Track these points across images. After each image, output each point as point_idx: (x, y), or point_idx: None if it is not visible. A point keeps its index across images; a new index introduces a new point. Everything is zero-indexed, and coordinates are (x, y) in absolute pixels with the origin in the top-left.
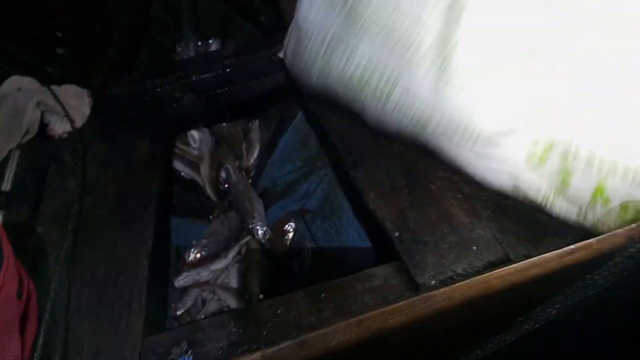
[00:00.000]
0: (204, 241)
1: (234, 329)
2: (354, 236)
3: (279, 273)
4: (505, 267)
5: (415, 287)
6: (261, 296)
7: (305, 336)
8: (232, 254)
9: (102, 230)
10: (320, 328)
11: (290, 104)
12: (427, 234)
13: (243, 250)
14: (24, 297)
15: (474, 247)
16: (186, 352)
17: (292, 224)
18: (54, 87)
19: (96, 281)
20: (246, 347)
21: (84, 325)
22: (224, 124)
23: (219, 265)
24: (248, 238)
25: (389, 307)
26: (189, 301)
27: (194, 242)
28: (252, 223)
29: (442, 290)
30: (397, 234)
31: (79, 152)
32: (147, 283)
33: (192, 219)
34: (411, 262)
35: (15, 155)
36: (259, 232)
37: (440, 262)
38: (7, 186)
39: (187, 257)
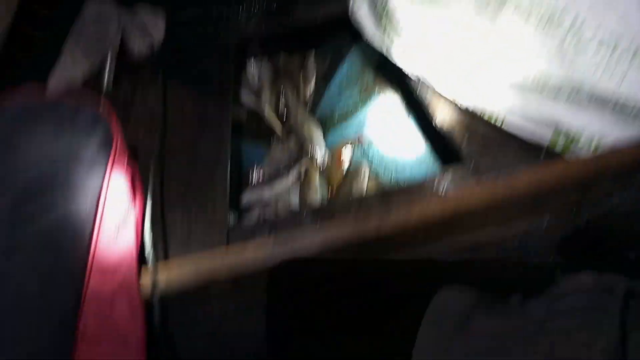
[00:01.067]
0: (267, 163)
1: (310, 223)
2: (411, 159)
3: (336, 195)
4: None
5: None
6: None
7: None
8: (291, 176)
9: (184, 134)
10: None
11: (348, 33)
12: (494, 142)
13: (302, 174)
14: (130, 176)
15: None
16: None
17: (349, 150)
18: (130, 9)
19: (183, 176)
20: None
21: (175, 214)
22: (282, 56)
23: (280, 185)
24: (307, 162)
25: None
26: (252, 219)
27: (255, 164)
28: (311, 149)
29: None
30: (464, 142)
31: (158, 66)
32: (228, 181)
33: (254, 143)
34: (480, 166)
35: (112, 55)
36: (318, 157)
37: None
38: (109, 83)
39: (250, 178)
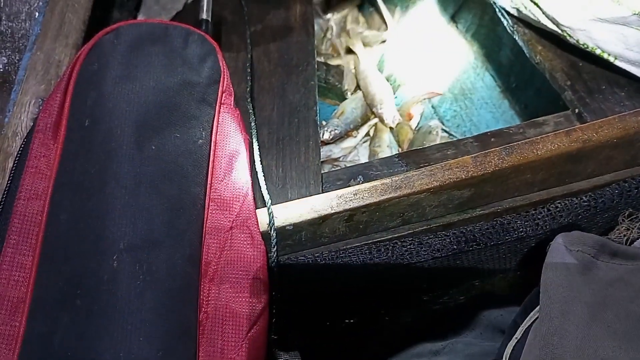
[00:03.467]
0: (336, 120)
1: (405, 167)
2: (488, 116)
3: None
4: None
5: None
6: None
7: (513, 144)
8: (361, 133)
9: (272, 80)
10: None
11: None
12: (602, 83)
13: (371, 131)
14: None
15: None
16: (361, 182)
17: (420, 106)
18: None
19: (273, 122)
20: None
21: (269, 159)
22: (350, 9)
23: (349, 143)
24: (376, 120)
25: (598, 121)
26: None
27: (324, 121)
28: (381, 108)
29: None
30: (568, 83)
31: (241, 9)
32: (318, 126)
33: (322, 98)
34: (586, 109)
35: None
36: (388, 117)
37: (617, 109)
38: (208, 15)
39: (321, 134)
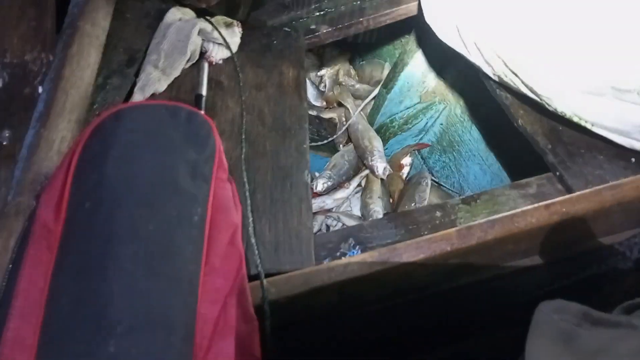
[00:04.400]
0: (328, 172)
1: (394, 230)
2: (475, 168)
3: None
4: None
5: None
6: None
7: (495, 217)
8: (353, 184)
9: (266, 144)
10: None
11: (409, 40)
12: (582, 147)
13: (363, 182)
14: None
15: (632, 159)
16: (354, 247)
17: (409, 158)
18: (208, 17)
19: (267, 185)
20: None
21: (262, 223)
22: (343, 61)
23: (341, 194)
24: (367, 171)
25: (574, 195)
26: (315, 226)
27: (317, 173)
28: (372, 160)
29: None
30: (549, 147)
31: (236, 75)
32: (309, 189)
33: (315, 151)
34: (567, 173)
35: (205, 65)
36: (379, 169)
37: (597, 172)
38: (203, 91)
39: (314, 186)
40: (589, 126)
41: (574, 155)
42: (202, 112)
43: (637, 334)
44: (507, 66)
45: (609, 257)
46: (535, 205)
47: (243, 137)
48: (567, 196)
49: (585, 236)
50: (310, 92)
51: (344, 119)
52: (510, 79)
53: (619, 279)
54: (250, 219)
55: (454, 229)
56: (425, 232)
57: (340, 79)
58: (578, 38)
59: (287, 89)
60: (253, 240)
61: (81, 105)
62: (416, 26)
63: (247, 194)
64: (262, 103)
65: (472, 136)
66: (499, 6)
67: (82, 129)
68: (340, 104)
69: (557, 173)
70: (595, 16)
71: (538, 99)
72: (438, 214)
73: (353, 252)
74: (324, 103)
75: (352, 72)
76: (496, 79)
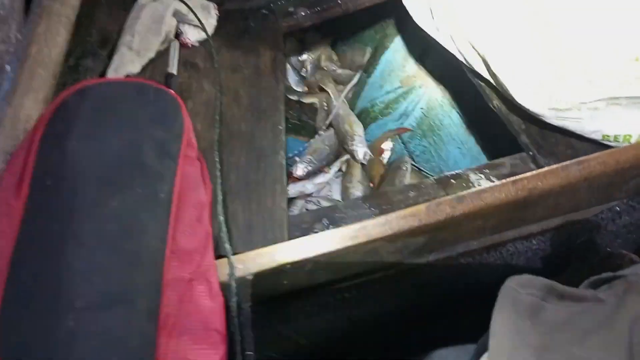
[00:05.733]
0: (308, 157)
1: (368, 210)
2: (455, 152)
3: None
4: None
5: None
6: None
7: (463, 192)
8: (333, 169)
9: (241, 125)
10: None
11: (389, 24)
12: (554, 127)
13: (343, 167)
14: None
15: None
16: (327, 227)
17: (390, 142)
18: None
19: (241, 167)
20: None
21: (236, 204)
22: (324, 45)
23: (322, 179)
24: (348, 156)
25: (542, 171)
26: (295, 210)
27: (297, 158)
28: (353, 145)
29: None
30: (523, 127)
31: (212, 57)
32: (285, 170)
33: (294, 135)
34: (540, 152)
35: (176, 44)
36: (359, 153)
37: (568, 152)
38: (174, 69)
39: (294, 171)
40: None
41: (546, 135)
42: (171, 90)
43: (602, 308)
44: (480, 57)
45: (577, 233)
46: (503, 181)
47: (217, 118)
48: (535, 172)
49: (554, 212)
50: (292, 77)
51: (325, 104)
52: (480, 70)
53: (588, 256)
54: (220, 198)
55: (422, 205)
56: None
57: (322, 64)
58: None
59: (264, 71)
60: (221, 218)
61: (49, 85)
62: (396, 9)
63: (218, 173)
64: (237, 85)
65: (452, 120)
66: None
67: None
68: (321, 89)
69: (530, 152)
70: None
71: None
72: (412, 193)
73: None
74: (305, 88)
75: (334, 57)
76: (469, 66)
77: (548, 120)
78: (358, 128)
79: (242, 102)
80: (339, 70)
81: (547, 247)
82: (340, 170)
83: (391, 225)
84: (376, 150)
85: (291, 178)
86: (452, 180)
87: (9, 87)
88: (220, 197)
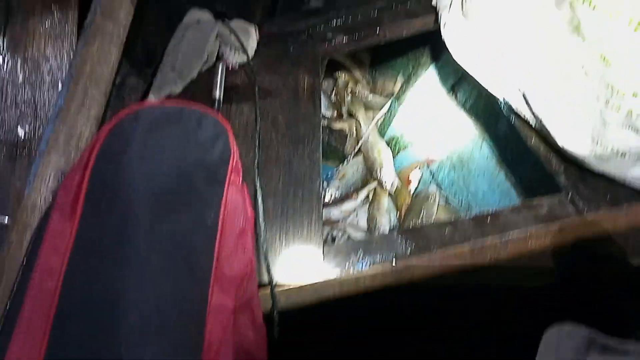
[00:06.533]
0: (337, 183)
1: (403, 244)
2: (484, 186)
3: (405, 218)
4: None
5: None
6: None
7: (508, 237)
8: (361, 196)
9: (279, 151)
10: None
11: (423, 52)
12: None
13: (370, 195)
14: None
15: None
16: (362, 258)
17: (418, 172)
18: (225, 22)
19: (279, 193)
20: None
21: (274, 230)
22: (358, 72)
23: (349, 206)
24: (375, 184)
25: (589, 218)
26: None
27: (325, 183)
28: (381, 173)
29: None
30: (562, 168)
31: (252, 80)
32: (321, 199)
33: (324, 160)
34: (579, 194)
35: (221, 67)
36: (387, 182)
37: (609, 195)
38: (219, 94)
39: (324, 197)
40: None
41: (586, 177)
42: (219, 115)
43: None
44: (521, 96)
45: (623, 278)
46: (549, 226)
47: (257, 143)
48: (580, 218)
49: (599, 258)
50: (322, 101)
51: (354, 130)
52: (518, 108)
53: (631, 301)
54: (262, 226)
55: (467, 247)
56: (435, 249)
57: (353, 89)
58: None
59: (302, 96)
60: (264, 248)
61: (100, 103)
62: (431, 40)
63: (260, 200)
64: (276, 109)
65: (482, 153)
66: (525, 42)
67: (101, 126)
68: (351, 115)
69: (569, 194)
70: None
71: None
72: (448, 230)
73: (361, 264)
74: (335, 112)
75: (365, 82)
76: (504, 103)
77: (590, 165)
78: (387, 156)
79: (280, 127)
80: (370, 96)
81: (593, 292)
82: (367, 197)
83: (434, 265)
84: (404, 179)
85: None
86: (489, 220)
87: (63, 104)
88: (262, 226)
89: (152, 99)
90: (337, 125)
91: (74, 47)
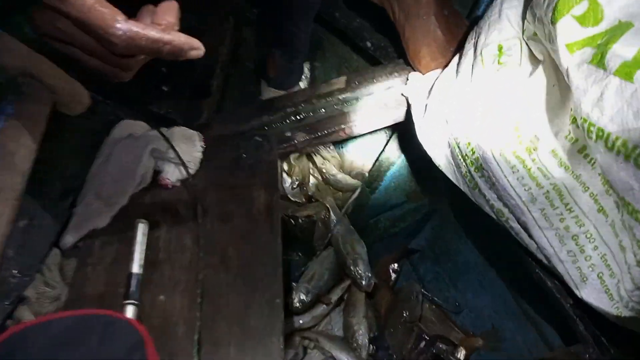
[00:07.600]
0: (306, 285)
1: None
2: (473, 283)
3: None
4: None
5: None
6: (371, 347)
7: None
8: (334, 298)
9: (230, 300)
10: None
11: (396, 138)
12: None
13: (345, 295)
14: None
15: None
16: None
17: (397, 265)
18: (164, 130)
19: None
20: None
21: None
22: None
23: (321, 311)
24: (349, 282)
25: None
26: (290, 353)
27: (293, 284)
28: (355, 270)
29: None
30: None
31: (193, 204)
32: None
33: (289, 254)
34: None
35: (140, 227)
36: (363, 281)
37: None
38: (136, 266)
39: (292, 303)
40: None
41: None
42: (130, 316)
43: None
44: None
45: None
46: None
47: (199, 291)
48: None
49: None
50: (286, 186)
51: (322, 216)
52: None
53: None
54: None
55: None
56: None
57: (320, 166)
58: None
59: (258, 218)
60: None
61: None
62: (403, 128)
63: None
64: (226, 239)
65: (468, 245)
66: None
67: None
68: (318, 200)
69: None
70: None
71: None
72: None
73: None
74: (301, 196)
75: (332, 158)
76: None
77: (609, 317)
78: (361, 249)
79: (232, 266)
80: (339, 176)
81: None
82: (342, 298)
83: None
84: (382, 272)
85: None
86: None
87: None
88: None
89: (67, 240)
90: (304, 213)
91: None
